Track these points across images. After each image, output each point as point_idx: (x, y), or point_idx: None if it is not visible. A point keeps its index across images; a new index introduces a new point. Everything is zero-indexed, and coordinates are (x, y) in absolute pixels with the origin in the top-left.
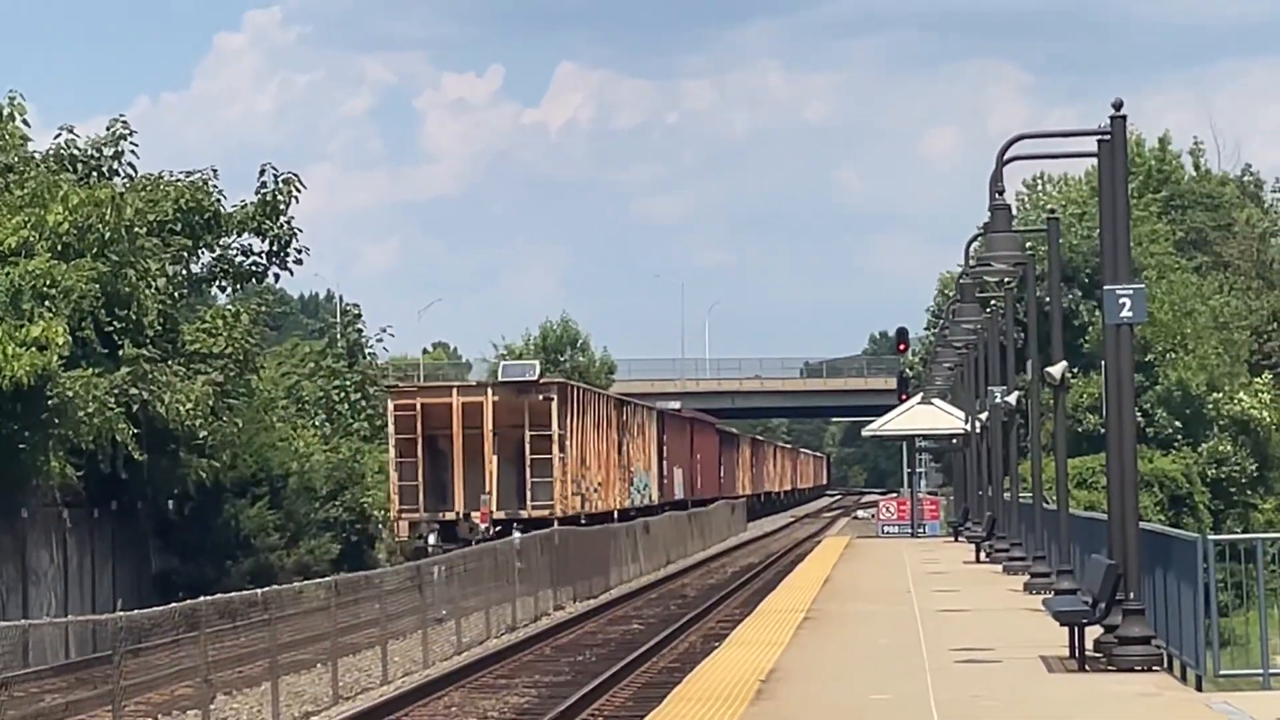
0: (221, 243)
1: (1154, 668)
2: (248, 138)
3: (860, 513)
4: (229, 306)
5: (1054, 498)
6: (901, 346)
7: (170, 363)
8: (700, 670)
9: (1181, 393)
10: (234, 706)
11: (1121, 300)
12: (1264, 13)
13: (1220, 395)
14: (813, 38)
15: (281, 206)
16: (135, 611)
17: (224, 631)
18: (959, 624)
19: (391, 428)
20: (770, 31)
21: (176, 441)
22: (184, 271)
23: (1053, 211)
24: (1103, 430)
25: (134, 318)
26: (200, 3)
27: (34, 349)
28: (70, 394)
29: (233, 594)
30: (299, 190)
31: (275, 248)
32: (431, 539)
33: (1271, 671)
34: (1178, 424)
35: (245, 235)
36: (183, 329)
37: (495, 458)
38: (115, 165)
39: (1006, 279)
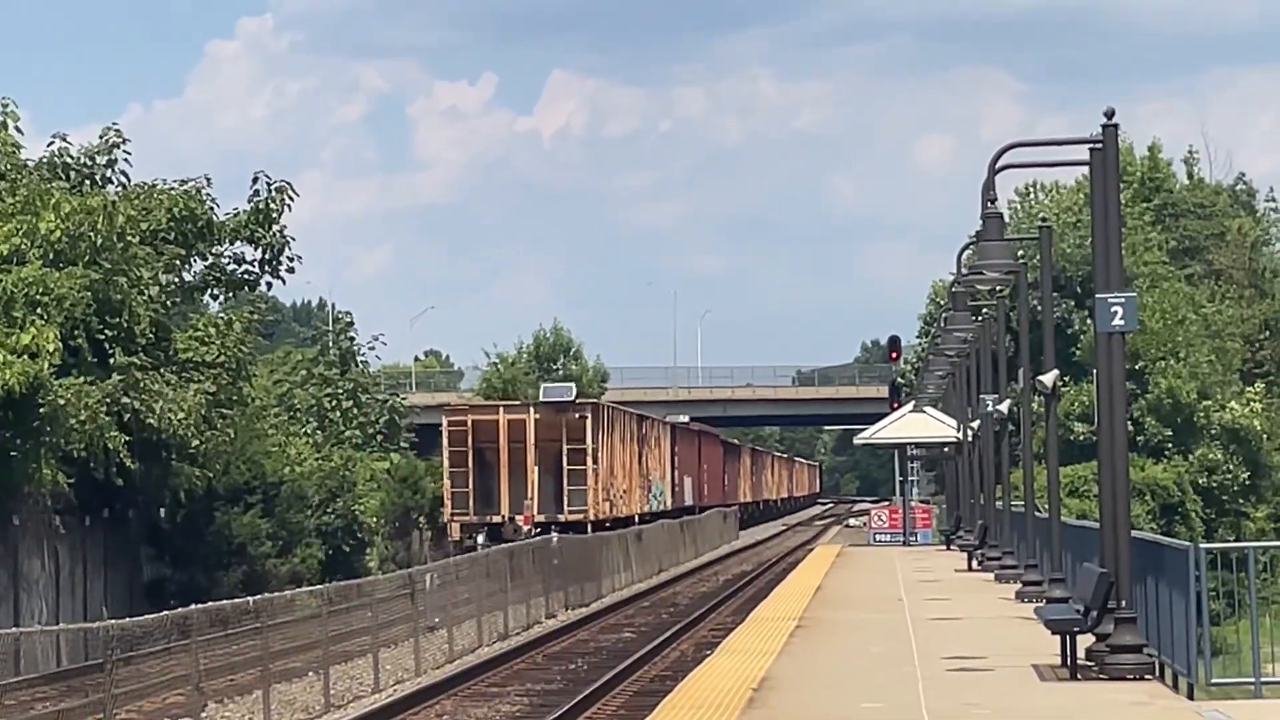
0: (214, 251)
1: (1146, 676)
2: (241, 145)
3: (852, 521)
4: (221, 315)
5: (1046, 506)
6: (893, 354)
7: (162, 371)
8: (692, 679)
9: (1172, 401)
10: (226, 714)
11: (1113, 308)
12: (1255, 22)
13: (1210, 403)
14: (805, 46)
15: (274, 215)
16: (127, 620)
17: (216, 639)
18: (951, 632)
19: (445, 441)
20: (763, 39)
21: (168, 449)
22: (176, 280)
23: (1045, 220)
24: (1092, 439)
25: (126, 326)
26: (193, 10)
27: (25, 356)
28: (62, 402)
29: (224, 602)
30: (292, 199)
31: (268, 256)
32: (480, 539)
33: (1263, 680)
34: (1168, 432)
35: (238, 244)
36: (175, 337)
37: (536, 468)
38: (108, 173)
39: (998, 287)
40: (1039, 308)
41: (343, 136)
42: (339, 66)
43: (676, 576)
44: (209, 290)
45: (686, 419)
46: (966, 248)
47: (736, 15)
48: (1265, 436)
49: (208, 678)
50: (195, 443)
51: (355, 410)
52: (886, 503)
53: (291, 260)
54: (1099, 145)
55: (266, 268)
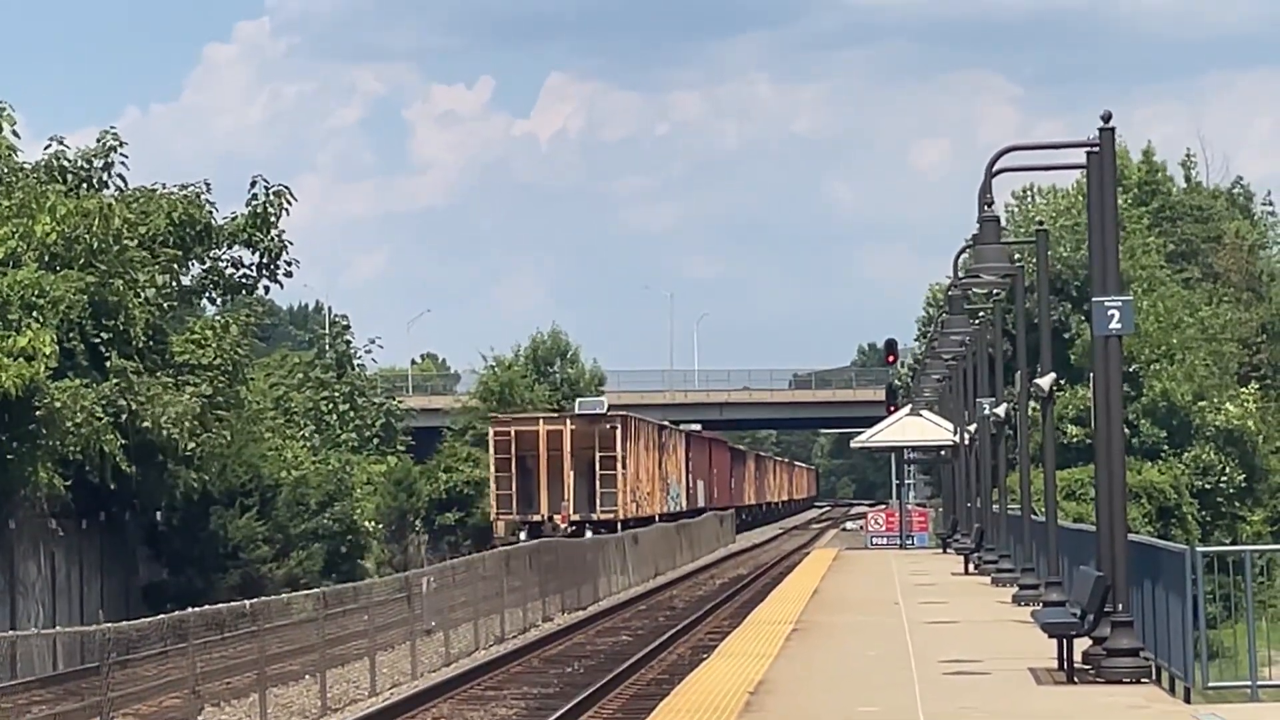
0: (212, 255)
1: (1142, 680)
2: (237, 149)
3: (849, 524)
4: (218, 318)
5: (1043, 509)
6: (890, 358)
7: (159, 374)
8: (689, 682)
9: (1167, 404)
10: (222, 718)
11: (1110, 312)
12: (1252, 25)
13: (1205, 404)
14: (802, 50)
15: (272, 219)
16: (123, 623)
17: (212, 643)
18: (947, 636)
19: (491, 449)
20: (760, 43)
21: (165, 453)
22: (173, 283)
23: (1041, 224)
24: (1086, 442)
25: (122, 329)
26: (190, 14)
27: (21, 359)
28: (58, 405)
29: (221, 605)
30: (289, 202)
31: (266, 260)
32: (523, 535)
33: (1260, 683)
34: (1163, 434)
35: (235, 247)
36: (171, 340)
37: (572, 473)
38: (105, 177)
39: (995, 291)
40: (1036, 311)
41: (340, 140)
42: (336, 70)
43: (673, 580)
44: (206, 294)
45: (699, 427)
46: (963, 251)
47: (734, 19)
48: (1261, 438)
49: (204, 681)
50: (190, 446)
51: (352, 413)
52: (883, 506)
53: (289, 264)
54: (1095, 149)
55: (264, 271)
